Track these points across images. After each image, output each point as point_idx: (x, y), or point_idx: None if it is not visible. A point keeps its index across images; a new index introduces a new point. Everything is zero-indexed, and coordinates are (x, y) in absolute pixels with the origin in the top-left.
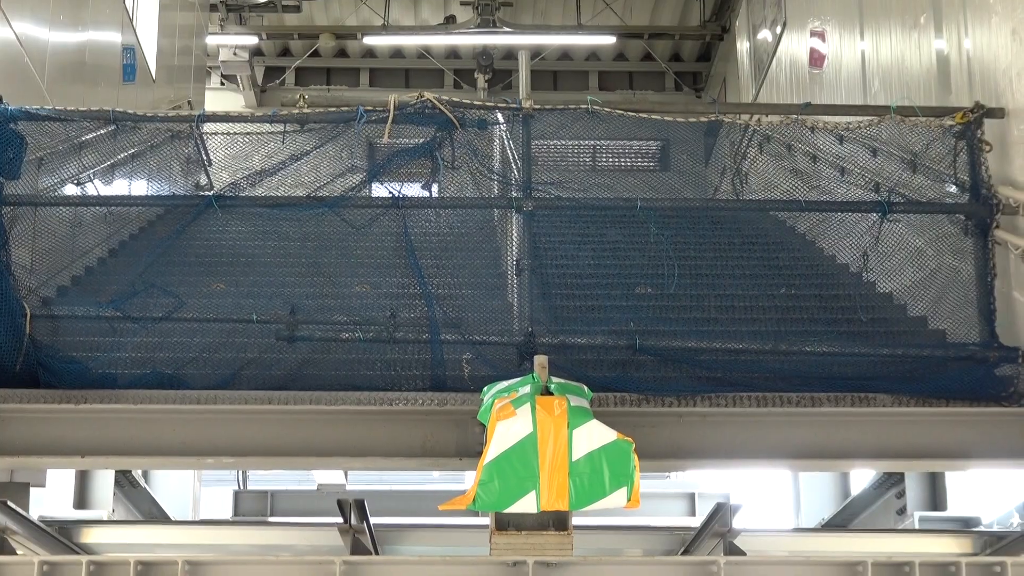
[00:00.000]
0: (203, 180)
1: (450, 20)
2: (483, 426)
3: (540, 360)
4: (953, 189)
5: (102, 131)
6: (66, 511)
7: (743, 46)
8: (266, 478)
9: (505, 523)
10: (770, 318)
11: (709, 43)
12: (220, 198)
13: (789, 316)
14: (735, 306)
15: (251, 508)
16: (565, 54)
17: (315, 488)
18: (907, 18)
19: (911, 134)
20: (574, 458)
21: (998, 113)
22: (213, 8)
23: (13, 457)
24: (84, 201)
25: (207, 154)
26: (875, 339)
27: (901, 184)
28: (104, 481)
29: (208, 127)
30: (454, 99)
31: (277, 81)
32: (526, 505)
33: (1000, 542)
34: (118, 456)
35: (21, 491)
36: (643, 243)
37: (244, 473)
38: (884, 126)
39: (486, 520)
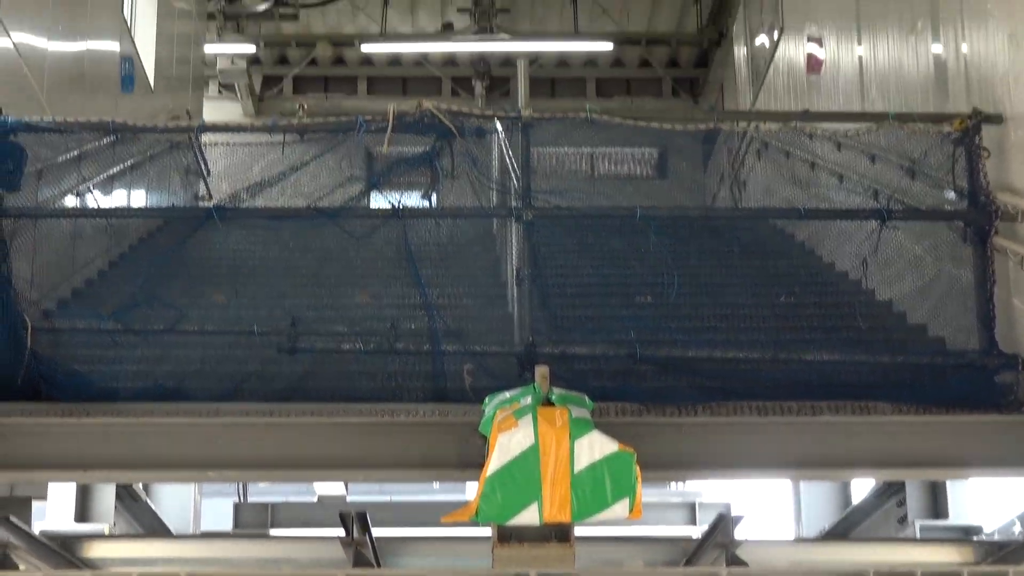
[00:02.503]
0: (202, 190)
1: (447, 28)
2: (484, 438)
3: (541, 371)
4: (952, 195)
5: (101, 142)
6: (67, 524)
7: (740, 52)
8: (267, 490)
9: (507, 535)
10: (770, 326)
11: (706, 49)
12: (220, 209)
13: (789, 324)
14: (735, 314)
15: (252, 520)
16: (563, 61)
17: (316, 500)
18: (904, 23)
19: (909, 141)
20: (576, 470)
21: (996, 119)
22: (211, 17)
23: (14, 471)
24: (84, 213)
25: (206, 164)
26: (875, 347)
27: (900, 191)
28: (105, 494)
29: (207, 137)
30: (453, 108)
31: (275, 89)
32: (528, 517)
33: (1002, 551)
34: (120, 470)
35: (23, 505)
36: (643, 251)
37: (244, 485)
38: (882, 133)
39: (488, 532)
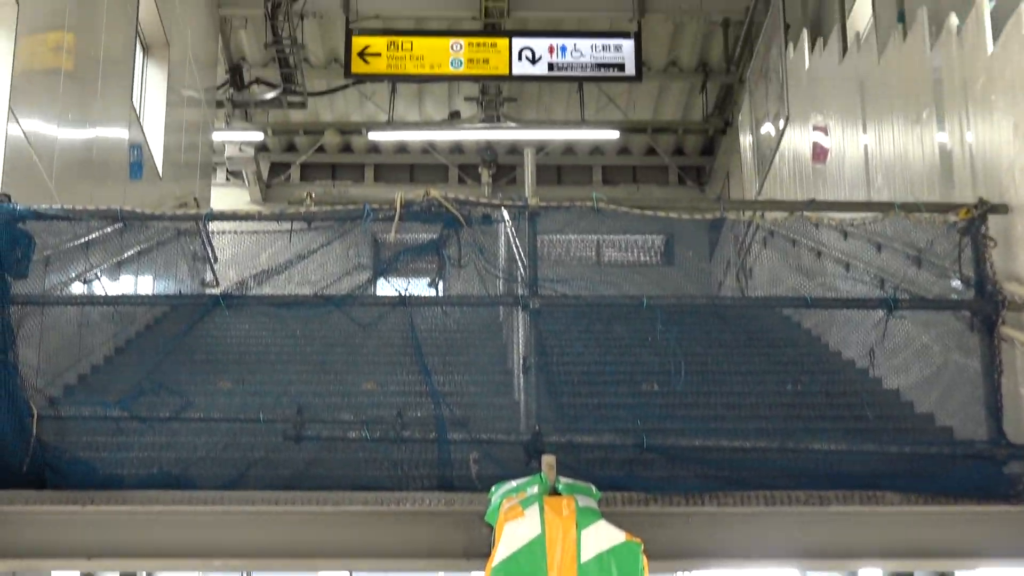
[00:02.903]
0: (209, 277)
1: (454, 116)
2: (491, 527)
3: (548, 460)
4: (958, 285)
5: (109, 229)
6: None
7: (746, 140)
8: None
9: None
10: (777, 415)
11: (712, 137)
12: (227, 297)
13: (796, 413)
14: (742, 403)
15: None
16: (569, 148)
17: None
18: (909, 113)
19: (916, 230)
20: (583, 560)
21: (1002, 209)
22: (219, 105)
23: (18, 559)
24: (91, 300)
25: (213, 251)
26: (882, 436)
27: (906, 280)
28: None
29: (214, 225)
30: (460, 196)
31: (282, 176)
32: None
33: None
34: (125, 558)
35: None
36: (649, 339)
37: (249, 573)
38: (888, 222)
39: None
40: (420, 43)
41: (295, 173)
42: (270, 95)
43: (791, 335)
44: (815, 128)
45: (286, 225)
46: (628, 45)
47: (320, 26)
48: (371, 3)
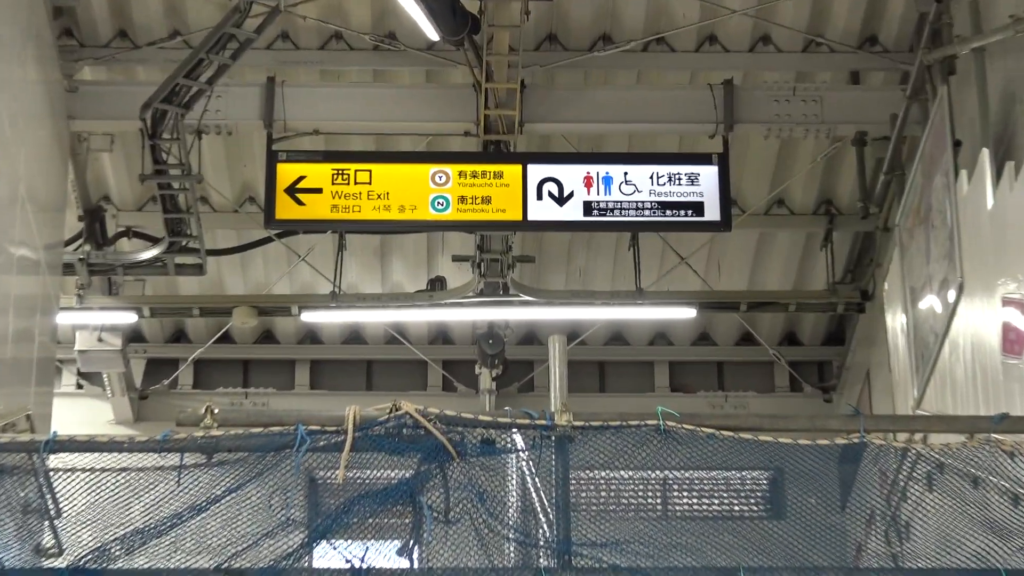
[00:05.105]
0: (48, 541)
1: (437, 286)
2: None
3: None
4: None
5: None
6: None
7: (896, 321)
8: None
9: None
10: None
11: (842, 317)
12: (78, 572)
13: None
14: None
15: None
16: (618, 335)
17: None
18: None
19: None
20: None
21: None
22: (67, 269)
23: None
24: None
25: (55, 501)
26: None
27: None
28: None
29: (58, 459)
30: (447, 411)
31: (165, 381)
32: None
33: None
34: None
35: None
36: None
37: None
38: None
39: None
40: (384, 172)
41: (186, 376)
42: (148, 254)
43: None
44: (1006, 302)
45: (173, 459)
46: (709, 174)
47: (228, 147)
48: (307, 108)
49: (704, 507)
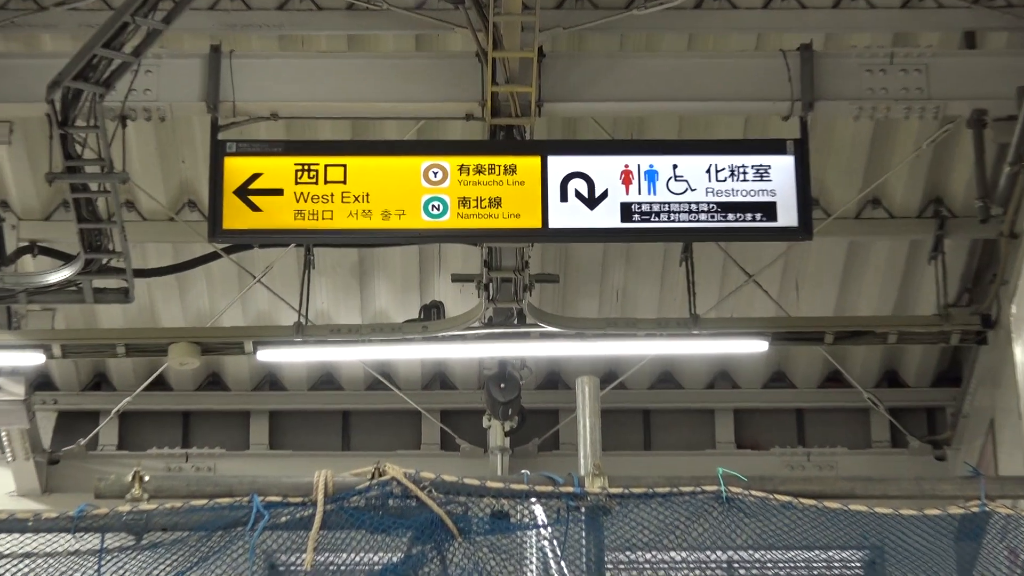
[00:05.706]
0: None
1: (432, 314)
2: None
3: None
4: None
5: None
6: None
7: None
8: None
9: None
10: None
11: (957, 350)
12: None
13: None
14: None
15: None
16: (667, 376)
17: None
18: None
19: None
20: None
21: None
22: None
23: None
24: None
25: None
26: None
27: None
28: None
29: None
30: (446, 477)
31: (81, 442)
32: None
33: None
34: None
35: None
36: None
37: None
38: None
39: None
40: (363, 168)
41: (108, 433)
42: (58, 276)
43: None
44: None
45: (92, 541)
46: (783, 166)
47: (161, 136)
48: (263, 85)
49: None
